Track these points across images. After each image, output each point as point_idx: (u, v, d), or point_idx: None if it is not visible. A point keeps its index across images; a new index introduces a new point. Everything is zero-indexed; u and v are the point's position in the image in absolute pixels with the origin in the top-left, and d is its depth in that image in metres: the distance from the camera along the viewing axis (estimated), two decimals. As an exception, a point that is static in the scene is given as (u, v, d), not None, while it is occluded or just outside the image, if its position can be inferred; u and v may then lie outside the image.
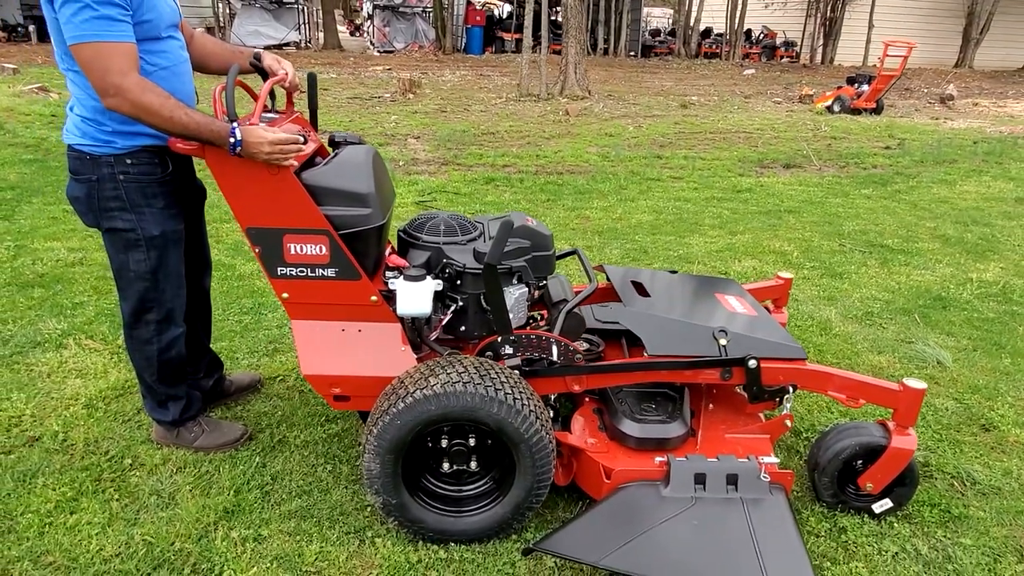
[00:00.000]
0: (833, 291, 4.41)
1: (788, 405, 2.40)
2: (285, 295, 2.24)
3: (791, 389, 2.39)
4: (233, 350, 3.38)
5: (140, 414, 2.79)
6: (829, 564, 2.19)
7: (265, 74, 2.45)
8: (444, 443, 2.17)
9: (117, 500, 2.35)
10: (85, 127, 2.16)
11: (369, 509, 2.34)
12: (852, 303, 4.23)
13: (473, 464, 2.21)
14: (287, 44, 22.94)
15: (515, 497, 2.16)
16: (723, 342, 2.36)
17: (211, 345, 2.89)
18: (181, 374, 2.54)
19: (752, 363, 2.32)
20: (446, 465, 2.21)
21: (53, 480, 2.42)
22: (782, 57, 26.86)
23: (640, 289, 2.67)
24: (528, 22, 14.06)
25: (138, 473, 2.48)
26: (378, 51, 24.05)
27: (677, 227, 5.70)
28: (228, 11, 23.37)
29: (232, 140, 2.01)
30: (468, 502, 2.24)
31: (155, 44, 2.15)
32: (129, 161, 2.19)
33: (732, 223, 5.88)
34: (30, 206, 5.43)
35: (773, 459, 2.25)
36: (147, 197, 2.25)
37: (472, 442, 2.17)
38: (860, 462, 2.35)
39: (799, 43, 27.12)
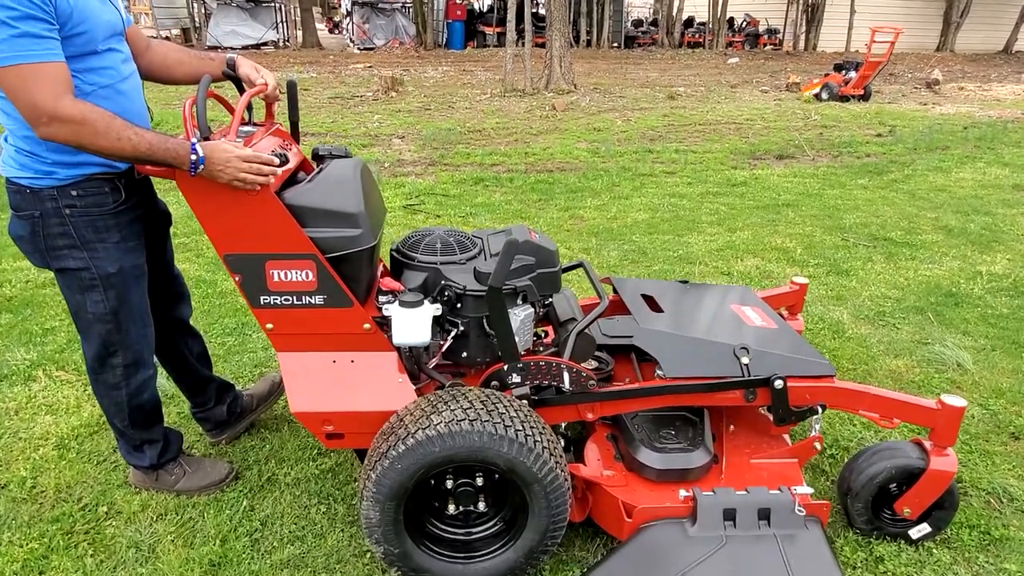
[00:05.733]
0: (841, 289, 4.26)
1: (817, 427, 2.24)
2: (269, 326, 2.04)
3: (820, 409, 2.22)
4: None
5: (116, 453, 2.58)
6: (869, 600, 2.03)
7: (240, 83, 2.23)
8: (449, 483, 1.99)
9: (91, 556, 2.14)
10: (21, 158, 1.89)
11: (369, 555, 2.15)
12: (862, 302, 4.08)
13: (481, 505, 2.03)
14: (265, 44, 22.56)
15: (528, 540, 1.97)
16: (745, 360, 2.19)
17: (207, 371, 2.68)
18: (156, 416, 2.33)
19: (778, 383, 2.15)
20: (452, 507, 2.02)
21: (20, 535, 2.21)
22: (765, 45, 26.77)
23: (652, 303, 2.50)
24: (511, 15, 13.84)
25: (114, 523, 2.28)
26: (358, 48, 23.73)
27: (674, 225, 5.53)
28: (204, 11, 22.95)
29: (193, 158, 1.77)
30: (477, 546, 2.05)
31: (93, 59, 1.85)
32: (74, 192, 1.92)
33: (730, 219, 5.72)
34: (-2, 222, 5.17)
35: (807, 489, 2.08)
36: (99, 231, 1.98)
37: (480, 481, 1.99)
38: (896, 486, 2.19)
39: (782, 30, 27.06)
